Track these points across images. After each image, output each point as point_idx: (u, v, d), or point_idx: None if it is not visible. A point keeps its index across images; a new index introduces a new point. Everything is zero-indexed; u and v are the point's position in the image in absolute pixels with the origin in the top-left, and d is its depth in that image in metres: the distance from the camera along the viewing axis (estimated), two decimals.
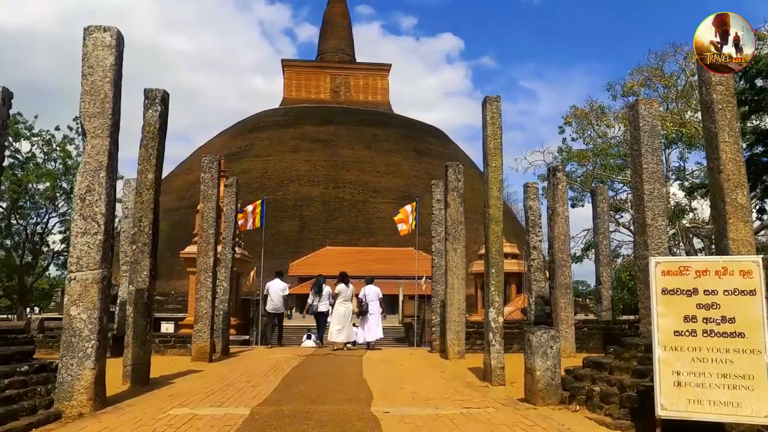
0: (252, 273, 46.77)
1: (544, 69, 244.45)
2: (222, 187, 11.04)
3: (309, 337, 16.16)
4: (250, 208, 35.59)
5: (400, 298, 45.48)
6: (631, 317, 11.79)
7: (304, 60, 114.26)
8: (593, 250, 27.23)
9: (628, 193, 25.92)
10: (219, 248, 9.62)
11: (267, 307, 13.27)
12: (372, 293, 12.59)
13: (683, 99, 22.76)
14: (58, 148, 32.33)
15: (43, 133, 32.01)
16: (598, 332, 10.66)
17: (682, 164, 24.46)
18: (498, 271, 6.40)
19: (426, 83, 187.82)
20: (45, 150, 32.33)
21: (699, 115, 23.34)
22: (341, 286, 11.87)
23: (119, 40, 5.26)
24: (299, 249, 74.33)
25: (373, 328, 12.37)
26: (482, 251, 25.77)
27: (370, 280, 12.99)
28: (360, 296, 12.47)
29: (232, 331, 40.40)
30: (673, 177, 24.63)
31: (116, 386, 5.93)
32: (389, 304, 51.46)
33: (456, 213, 9.46)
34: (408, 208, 30.52)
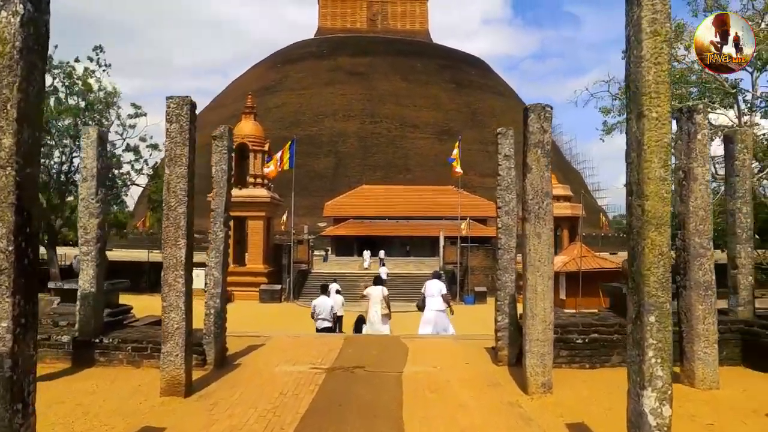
0: (284, 216, 44.57)
1: None
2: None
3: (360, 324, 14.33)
4: (278, 154, 32.59)
5: (441, 242, 42.77)
6: None
7: None
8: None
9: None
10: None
11: (317, 326, 12.92)
12: (433, 289, 11.73)
13: None
14: (79, 82, 29.80)
15: (63, 65, 29.37)
16: (734, 336, 7.58)
17: None
18: (662, 319, 3.36)
19: (465, 10, 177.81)
20: (66, 83, 29.79)
21: None
22: (369, 289, 12.53)
23: None
24: (335, 187, 72.08)
25: (433, 326, 11.50)
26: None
27: (436, 275, 12.68)
28: (422, 291, 12.25)
29: (263, 279, 37.92)
30: (763, 105, 20.54)
31: None
32: (430, 248, 48.85)
33: (540, 180, 6.29)
34: (455, 151, 27.87)
